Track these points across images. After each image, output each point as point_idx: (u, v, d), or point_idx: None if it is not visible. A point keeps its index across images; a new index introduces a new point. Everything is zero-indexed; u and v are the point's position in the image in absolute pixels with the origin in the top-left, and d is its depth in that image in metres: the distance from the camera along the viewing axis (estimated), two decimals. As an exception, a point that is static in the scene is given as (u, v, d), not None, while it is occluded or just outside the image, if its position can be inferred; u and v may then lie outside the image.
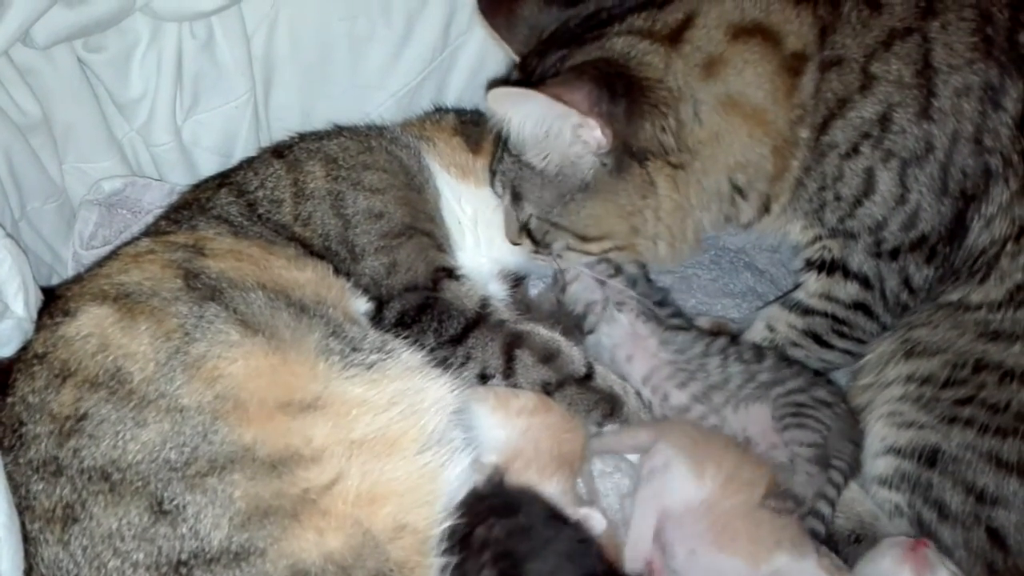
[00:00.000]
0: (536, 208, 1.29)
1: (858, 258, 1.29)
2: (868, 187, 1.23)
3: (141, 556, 0.84)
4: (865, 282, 1.30)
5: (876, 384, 1.31)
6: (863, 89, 1.20)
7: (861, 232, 1.27)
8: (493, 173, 1.34)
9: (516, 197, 1.30)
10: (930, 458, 1.20)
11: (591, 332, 1.37)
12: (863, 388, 1.33)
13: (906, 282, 1.29)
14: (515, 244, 1.36)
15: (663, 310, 1.39)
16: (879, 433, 1.27)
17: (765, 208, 1.29)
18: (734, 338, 1.39)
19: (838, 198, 1.25)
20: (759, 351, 1.33)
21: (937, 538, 1.18)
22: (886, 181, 1.22)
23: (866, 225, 1.26)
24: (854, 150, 1.22)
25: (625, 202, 1.24)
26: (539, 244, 1.33)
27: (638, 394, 1.30)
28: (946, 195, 1.22)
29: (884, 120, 1.20)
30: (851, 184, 1.24)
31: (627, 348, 1.33)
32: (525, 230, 1.33)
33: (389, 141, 1.36)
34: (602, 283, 1.39)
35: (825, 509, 1.18)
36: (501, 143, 1.28)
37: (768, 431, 1.24)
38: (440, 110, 1.52)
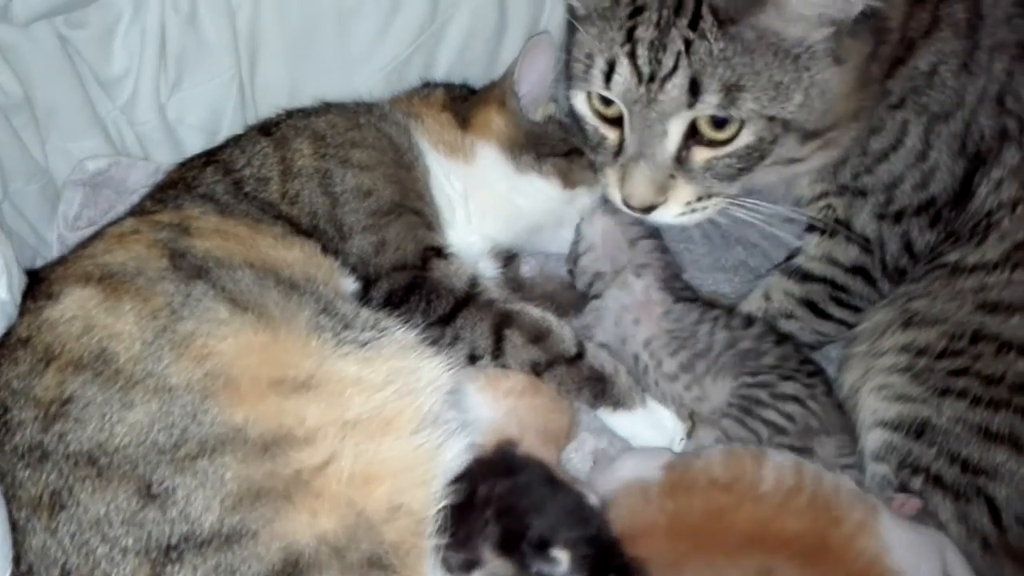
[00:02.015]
0: (763, 104, 1.04)
1: (862, 218, 1.26)
2: (898, 141, 1.20)
3: (130, 541, 0.83)
4: (866, 245, 1.28)
5: (870, 353, 1.31)
6: (927, 34, 1.15)
7: (875, 190, 1.24)
8: (661, 80, 1.05)
9: (732, 93, 1.04)
10: (919, 430, 1.19)
11: (596, 297, 1.37)
12: (858, 357, 1.33)
13: (907, 247, 1.27)
14: (655, 205, 1.13)
15: (677, 282, 1.39)
16: (870, 406, 1.27)
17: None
18: (729, 311, 1.39)
19: (864, 152, 1.22)
20: (749, 319, 1.33)
21: (931, 511, 1.18)
22: (913, 136, 1.19)
23: (883, 182, 1.23)
24: (901, 102, 1.18)
25: (861, 75, 1.09)
26: (742, 170, 1.10)
27: (637, 361, 1.31)
28: (962, 155, 1.20)
29: (932, 74, 1.16)
30: (885, 137, 1.20)
31: (635, 312, 1.33)
32: (685, 165, 1.11)
33: (378, 118, 1.34)
34: (632, 245, 1.38)
35: None
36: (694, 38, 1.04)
37: None
38: (428, 85, 1.50)
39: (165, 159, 1.46)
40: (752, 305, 1.40)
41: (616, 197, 1.18)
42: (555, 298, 1.39)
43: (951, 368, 1.21)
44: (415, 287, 1.21)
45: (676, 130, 1.09)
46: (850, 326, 1.36)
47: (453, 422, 1.02)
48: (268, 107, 1.42)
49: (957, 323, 1.22)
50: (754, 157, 1.10)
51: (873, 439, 1.25)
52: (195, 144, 1.46)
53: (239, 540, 0.83)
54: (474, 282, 1.25)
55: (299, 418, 0.91)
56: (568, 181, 1.37)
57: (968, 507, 1.15)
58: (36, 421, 0.89)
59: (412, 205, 1.28)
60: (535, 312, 1.25)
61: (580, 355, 1.24)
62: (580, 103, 1.20)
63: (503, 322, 1.22)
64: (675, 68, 1.05)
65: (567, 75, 1.22)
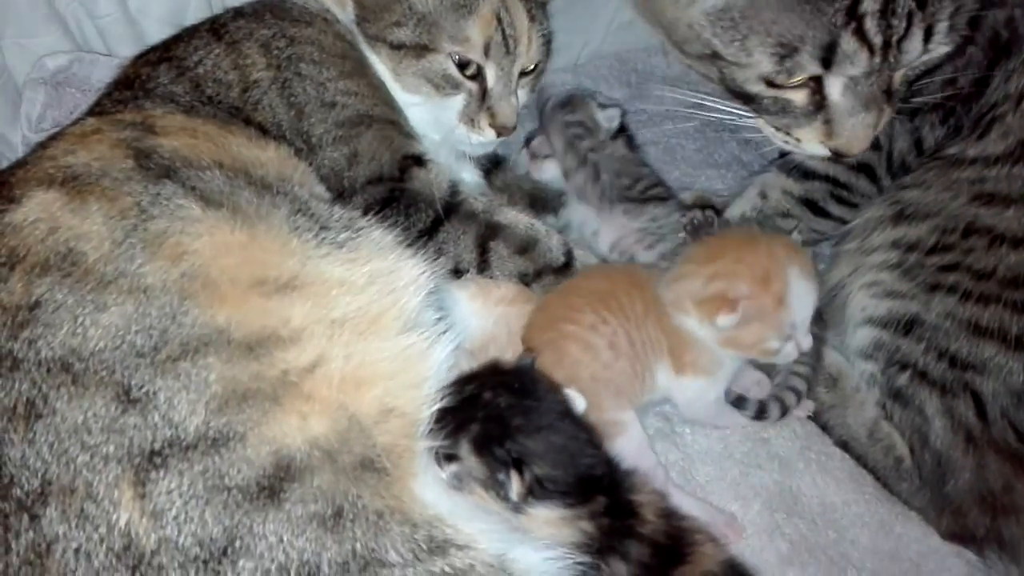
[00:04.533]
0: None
1: (915, 44, 1.20)
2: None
3: (111, 448, 0.80)
4: (875, 142, 1.25)
5: (860, 250, 1.30)
6: None
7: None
8: None
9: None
10: (907, 326, 1.19)
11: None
12: (848, 254, 1.32)
13: (917, 144, 1.25)
14: None
15: (635, 182, 1.35)
16: (859, 303, 1.27)
17: None
18: (717, 212, 1.36)
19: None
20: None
21: (917, 406, 1.19)
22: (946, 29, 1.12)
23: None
24: None
25: None
26: None
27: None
28: (993, 47, 1.16)
29: None
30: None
31: (593, 224, 1.32)
32: None
33: (308, 24, 1.23)
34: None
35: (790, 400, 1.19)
36: None
37: None
38: None
39: (129, 54, 1.38)
40: (747, 204, 1.38)
41: (822, 151, 1.15)
42: (543, 196, 1.36)
43: (942, 263, 1.20)
44: (392, 201, 1.16)
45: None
46: (846, 223, 1.33)
47: (441, 323, 1.00)
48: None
49: (949, 216, 1.21)
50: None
51: (861, 336, 1.25)
52: (160, 38, 1.38)
53: (226, 444, 0.81)
54: (455, 191, 1.20)
55: (284, 318, 0.88)
56: (398, 78, 1.25)
57: (954, 401, 1.16)
58: (4, 328, 0.85)
59: (381, 114, 1.22)
60: (522, 223, 1.21)
61: (568, 264, 1.21)
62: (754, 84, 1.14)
63: (488, 234, 1.18)
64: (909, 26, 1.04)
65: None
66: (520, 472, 0.89)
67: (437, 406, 0.92)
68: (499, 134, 1.25)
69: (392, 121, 1.22)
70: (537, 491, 0.90)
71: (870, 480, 1.19)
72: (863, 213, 1.31)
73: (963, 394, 1.16)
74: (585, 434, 0.96)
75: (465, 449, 0.90)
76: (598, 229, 1.32)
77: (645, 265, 1.21)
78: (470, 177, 1.33)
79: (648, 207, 1.31)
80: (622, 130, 1.40)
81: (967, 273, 1.18)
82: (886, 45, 1.04)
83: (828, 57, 1.05)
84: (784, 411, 1.18)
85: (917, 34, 1.04)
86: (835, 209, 1.33)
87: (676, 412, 1.18)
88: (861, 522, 1.14)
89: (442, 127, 1.27)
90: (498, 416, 0.92)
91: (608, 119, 1.38)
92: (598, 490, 0.93)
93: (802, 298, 1.07)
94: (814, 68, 1.07)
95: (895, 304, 1.22)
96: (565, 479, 0.91)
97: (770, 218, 1.34)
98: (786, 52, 1.06)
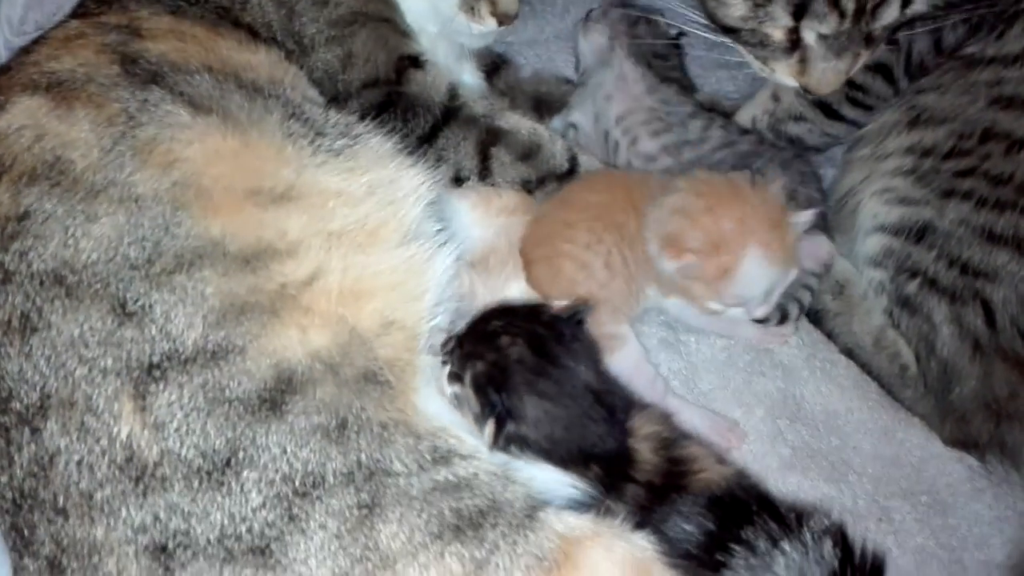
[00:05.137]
0: None
1: (892, 11, 1.18)
2: None
3: (109, 362, 0.79)
4: (893, 41, 1.20)
5: (874, 156, 1.27)
6: None
7: None
8: None
9: None
10: (919, 234, 1.17)
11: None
12: (861, 160, 1.28)
13: (936, 43, 1.20)
14: None
15: (664, 61, 1.32)
16: (871, 210, 1.24)
17: None
18: (726, 116, 1.33)
19: None
20: (744, 130, 1.29)
21: (925, 313, 1.18)
22: None
23: None
24: None
25: None
26: None
27: (607, 138, 1.27)
28: None
29: None
30: None
31: (609, 88, 1.28)
32: None
33: None
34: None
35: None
36: None
37: None
38: None
39: (111, -48, 1.33)
40: (758, 107, 1.34)
41: (792, 83, 1.16)
42: (548, 99, 1.33)
43: (957, 169, 1.18)
44: (389, 105, 1.13)
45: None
46: (861, 126, 1.30)
47: (441, 235, 0.99)
48: None
49: (966, 120, 1.17)
50: None
51: (871, 244, 1.23)
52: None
53: (225, 357, 0.80)
54: (454, 94, 1.16)
55: (280, 230, 0.87)
56: None
57: (963, 309, 1.15)
58: None
59: (375, 11, 1.17)
60: (525, 125, 1.18)
61: (572, 170, 1.18)
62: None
63: (489, 140, 1.16)
64: None
65: None
66: (500, 424, 0.88)
67: (459, 330, 0.92)
68: (501, 23, 1.20)
69: (387, 19, 1.18)
70: (520, 446, 0.89)
71: (874, 387, 1.19)
72: (878, 118, 1.27)
73: (973, 302, 1.15)
74: (604, 412, 0.92)
75: (468, 379, 0.90)
76: (612, 95, 1.28)
77: (643, 173, 1.18)
78: (471, 79, 1.29)
79: (665, 87, 1.29)
80: (679, 48, 1.39)
81: (983, 179, 1.15)
82: (859, 11, 1.04)
83: (800, 12, 1.05)
84: (801, 309, 1.19)
85: (895, 1, 1.04)
86: (849, 112, 1.28)
87: (680, 322, 1.17)
88: (864, 428, 1.15)
89: (440, 17, 1.21)
90: (504, 366, 0.90)
91: (670, 27, 1.37)
92: (596, 462, 0.91)
93: (755, 279, 1.03)
94: (786, 20, 1.07)
95: (908, 211, 1.20)
96: (554, 450, 0.89)
97: (782, 121, 1.30)
98: (760, 1, 1.06)
